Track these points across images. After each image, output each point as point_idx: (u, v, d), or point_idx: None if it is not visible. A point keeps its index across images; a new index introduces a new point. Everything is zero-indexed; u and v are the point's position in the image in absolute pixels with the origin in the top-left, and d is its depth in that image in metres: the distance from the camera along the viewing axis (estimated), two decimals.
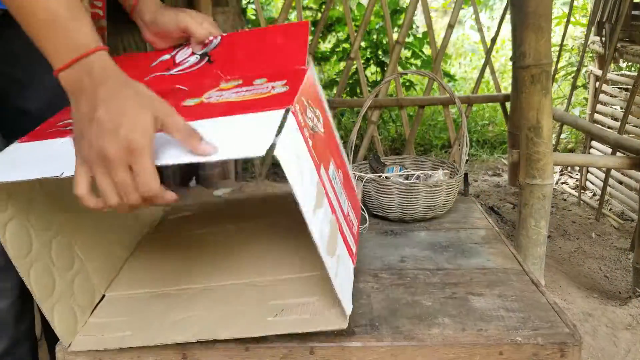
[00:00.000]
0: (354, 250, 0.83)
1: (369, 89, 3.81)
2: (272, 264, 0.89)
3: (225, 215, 1.16)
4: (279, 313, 0.74)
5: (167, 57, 0.90)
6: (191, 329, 0.74)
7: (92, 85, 0.62)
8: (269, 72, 0.82)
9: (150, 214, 1.13)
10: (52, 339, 1.15)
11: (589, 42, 3.20)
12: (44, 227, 0.78)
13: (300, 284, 0.81)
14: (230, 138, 0.64)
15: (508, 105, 3.37)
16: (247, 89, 0.79)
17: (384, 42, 4.13)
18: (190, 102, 0.77)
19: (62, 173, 0.64)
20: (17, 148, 0.74)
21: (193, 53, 0.89)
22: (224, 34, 0.90)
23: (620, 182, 2.94)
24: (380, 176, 1.26)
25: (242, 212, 1.19)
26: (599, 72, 3.09)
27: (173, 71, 0.85)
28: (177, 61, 0.87)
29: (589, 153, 3.03)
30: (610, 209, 2.93)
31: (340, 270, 0.72)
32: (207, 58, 0.86)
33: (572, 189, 3.28)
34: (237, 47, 0.88)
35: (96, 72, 0.63)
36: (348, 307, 0.71)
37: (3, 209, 0.71)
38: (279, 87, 0.77)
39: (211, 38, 0.89)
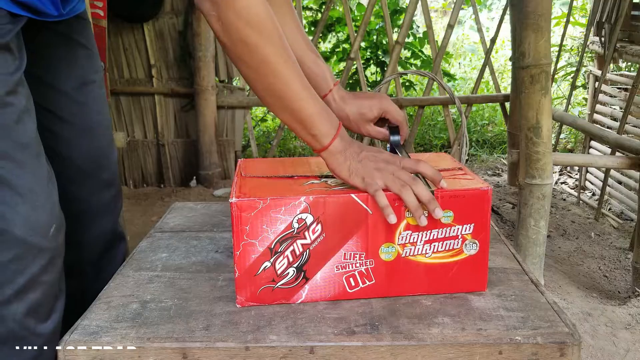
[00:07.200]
0: None
1: (369, 89, 3.82)
2: None
3: None
4: None
5: (315, 182, 0.86)
6: None
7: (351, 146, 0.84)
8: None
9: None
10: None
11: (588, 42, 3.21)
12: None
13: None
14: None
15: (508, 105, 3.38)
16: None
17: (384, 42, 4.14)
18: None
19: None
20: None
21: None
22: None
23: (620, 182, 2.94)
24: None
25: None
26: (599, 72, 3.09)
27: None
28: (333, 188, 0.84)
29: (589, 153, 3.03)
30: (610, 209, 2.94)
31: None
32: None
33: (571, 188, 3.28)
34: None
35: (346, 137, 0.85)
36: None
37: None
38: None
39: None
